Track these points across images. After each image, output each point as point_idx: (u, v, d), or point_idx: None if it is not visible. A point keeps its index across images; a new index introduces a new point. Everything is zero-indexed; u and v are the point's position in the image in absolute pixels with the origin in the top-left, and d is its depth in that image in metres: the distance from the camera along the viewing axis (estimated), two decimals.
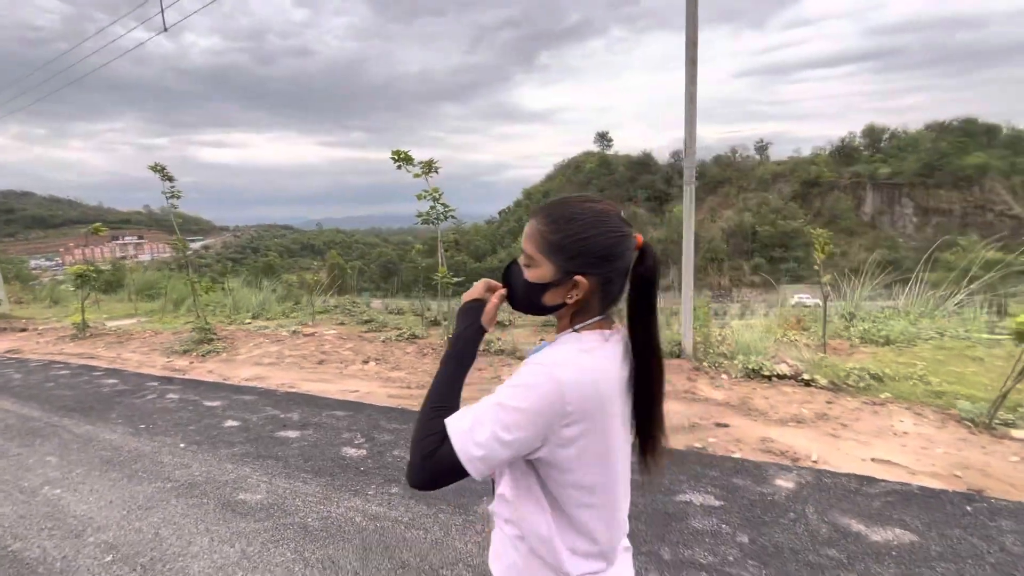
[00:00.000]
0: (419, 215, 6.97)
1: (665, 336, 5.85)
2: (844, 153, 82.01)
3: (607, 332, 0.90)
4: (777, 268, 65.82)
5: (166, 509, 2.96)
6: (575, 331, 0.89)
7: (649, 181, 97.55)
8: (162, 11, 9.28)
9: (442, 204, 6.83)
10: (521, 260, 0.92)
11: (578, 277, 0.85)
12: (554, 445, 0.80)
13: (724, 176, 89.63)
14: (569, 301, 0.88)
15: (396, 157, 6.91)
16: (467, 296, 1.01)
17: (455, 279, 6.90)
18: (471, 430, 0.78)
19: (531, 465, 0.86)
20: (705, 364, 4.96)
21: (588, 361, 0.83)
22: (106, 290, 19.72)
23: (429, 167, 6.78)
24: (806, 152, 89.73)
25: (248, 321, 10.30)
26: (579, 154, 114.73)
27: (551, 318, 0.96)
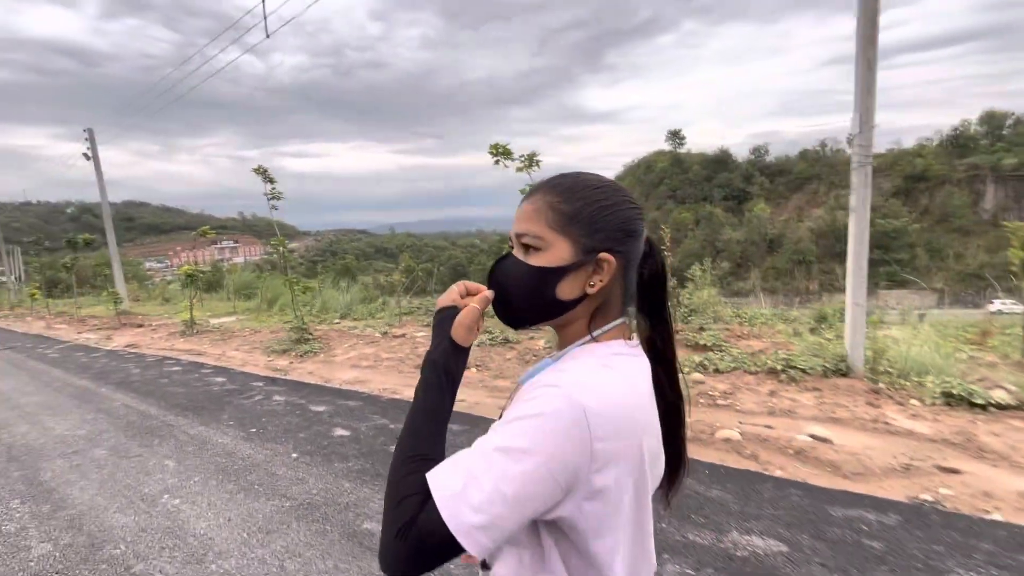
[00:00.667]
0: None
1: (808, 345, 4.97)
2: (958, 143, 73.28)
3: (632, 342, 0.72)
4: (875, 271, 59.65)
5: (288, 535, 2.63)
6: (593, 338, 0.70)
7: (726, 180, 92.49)
8: (264, 18, 9.55)
9: None
10: (517, 251, 0.71)
11: (603, 255, 0.67)
12: (580, 499, 0.58)
13: (812, 172, 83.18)
14: (591, 290, 0.68)
15: (495, 152, 6.51)
16: (440, 302, 0.76)
17: None
18: (464, 490, 0.55)
19: (545, 531, 0.63)
20: (883, 384, 4.07)
21: (618, 380, 0.63)
22: (207, 289, 21.27)
23: (531, 161, 6.30)
24: (908, 144, 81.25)
25: (336, 321, 10.39)
26: (649, 153, 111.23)
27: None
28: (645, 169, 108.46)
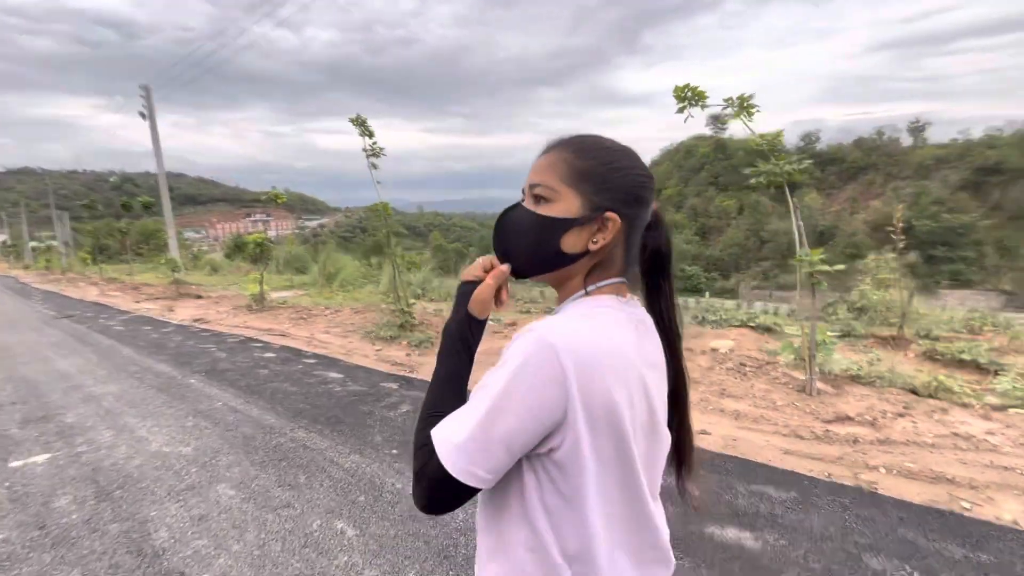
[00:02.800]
0: None
1: None
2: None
3: (624, 298, 0.73)
4: (937, 269, 56.23)
5: None
6: (586, 293, 0.72)
7: (766, 168, 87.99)
8: None
9: None
10: (527, 202, 0.73)
11: (609, 214, 0.69)
12: (561, 434, 0.61)
13: (867, 162, 78.59)
14: (593, 247, 0.70)
15: (680, 96, 4.99)
16: (464, 275, 0.78)
17: None
18: (459, 437, 0.62)
19: (527, 467, 0.65)
20: None
21: (593, 326, 0.65)
22: (253, 261, 20.45)
23: (744, 105, 4.75)
24: (976, 134, 75.73)
25: (412, 302, 9.13)
26: (688, 138, 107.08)
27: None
28: (685, 154, 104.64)
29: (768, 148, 4.40)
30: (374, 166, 6.84)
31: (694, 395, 3.91)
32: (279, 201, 9.90)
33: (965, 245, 55.61)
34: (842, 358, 4.49)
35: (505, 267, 0.74)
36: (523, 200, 0.73)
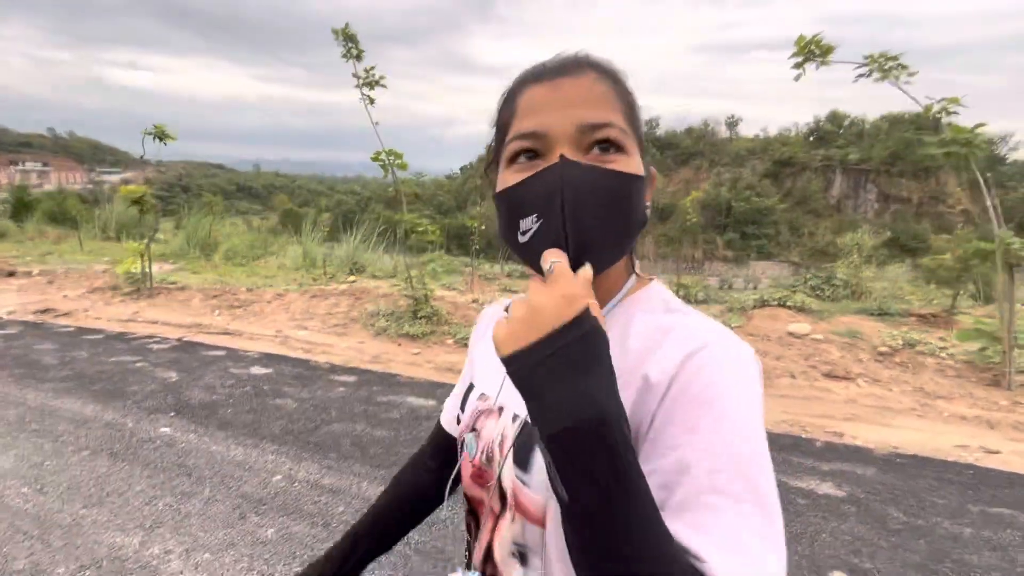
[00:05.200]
0: None
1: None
2: (818, 136, 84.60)
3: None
4: (748, 244, 67.41)
5: None
6: (639, 277, 0.54)
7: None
8: None
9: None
10: (574, 154, 0.45)
11: (652, 169, 0.52)
12: None
13: (696, 149, 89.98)
14: (648, 206, 0.50)
15: (803, 48, 4.35)
16: (557, 298, 0.39)
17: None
18: (767, 563, 0.36)
19: None
20: None
21: None
22: (16, 217, 15.62)
23: (818, 45, 4.24)
24: (772, 132, 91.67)
25: (352, 279, 7.37)
26: None
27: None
28: None
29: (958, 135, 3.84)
30: (370, 100, 5.03)
31: (890, 399, 3.40)
32: (165, 140, 7.08)
33: (767, 224, 67.34)
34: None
35: (589, 272, 0.43)
36: (562, 155, 0.44)
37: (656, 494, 0.37)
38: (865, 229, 8.34)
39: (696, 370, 0.41)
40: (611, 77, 0.49)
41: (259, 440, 2.71)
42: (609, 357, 0.38)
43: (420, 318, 4.85)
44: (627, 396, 0.42)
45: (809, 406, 3.29)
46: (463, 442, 0.57)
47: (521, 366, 0.37)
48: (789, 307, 5.96)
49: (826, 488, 2.34)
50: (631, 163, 0.46)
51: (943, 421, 3.12)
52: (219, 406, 3.14)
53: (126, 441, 2.69)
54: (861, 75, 4.36)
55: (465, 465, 0.56)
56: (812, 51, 4.36)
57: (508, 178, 0.48)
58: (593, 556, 0.36)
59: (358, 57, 5.03)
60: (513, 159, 0.48)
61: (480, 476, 0.53)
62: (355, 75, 5.01)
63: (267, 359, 4.06)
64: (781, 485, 2.33)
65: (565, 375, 0.36)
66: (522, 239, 0.46)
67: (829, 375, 3.72)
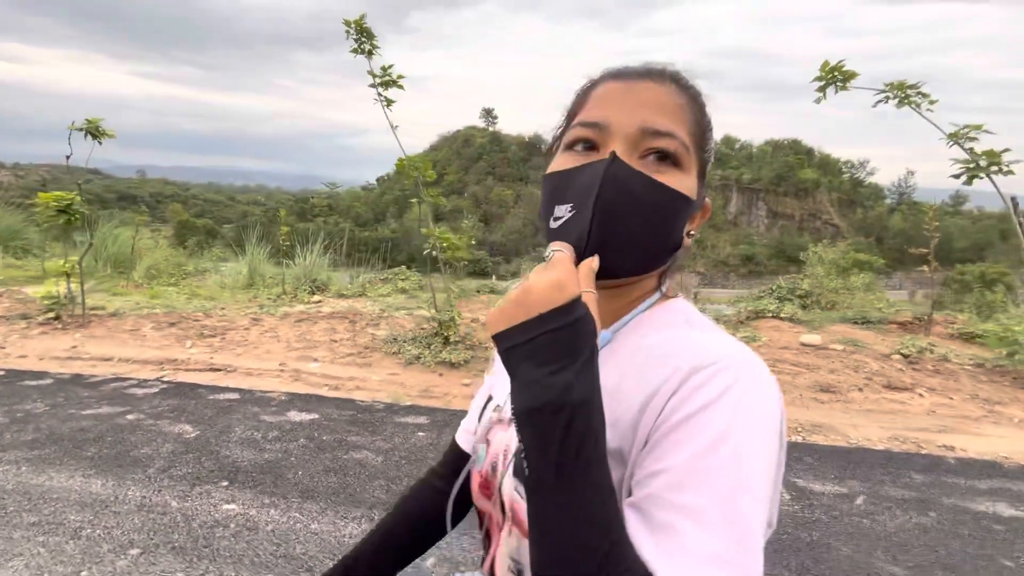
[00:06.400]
0: None
1: None
2: (717, 157, 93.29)
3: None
4: None
5: None
6: (663, 294, 0.53)
7: (540, 164, 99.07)
8: None
9: None
10: (631, 159, 0.46)
11: (707, 200, 0.54)
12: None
13: None
14: (688, 239, 0.52)
15: (826, 74, 4.55)
16: (551, 282, 0.40)
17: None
18: (748, 552, 0.37)
19: None
20: None
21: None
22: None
23: (837, 73, 4.46)
24: None
25: (316, 298, 6.66)
26: (464, 127, 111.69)
27: None
28: (463, 142, 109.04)
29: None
30: (387, 101, 4.51)
31: (959, 407, 3.54)
32: (100, 139, 5.94)
33: None
34: None
35: (595, 262, 0.44)
36: (614, 154, 0.45)
37: (635, 498, 0.39)
38: (755, 241, 9.06)
39: (698, 385, 0.41)
40: (691, 96, 0.49)
41: (367, 510, 2.15)
42: (593, 348, 0.38)
43: (453, 343, 4.36)
44: (631, 407, 0.43)
45: (898, 420, 3.32)
46: (474, 453, 0.57)
47: (506, 344, 0.39)
48: (782, 318, 6.22)
49: (1003, 509, 2.30)
50: (683, 182, 0.46)
51: (1015, 426, 3.29)
52: (282, 468, 2.49)
53: (185, 528, 2.01)
54: (879, 101, 4.64)
55: (474, 476, 0.55)
56: (835, 77, 4.57)
57: (559, 162, 0.49)
58: (540, 532, 0.37)
59: (370, 53, 4.50)
60: (571, 146, 0.48)
61: (486, 487, 0.53)
62: (370, 73, 4.47)
63: (298, 400, 3.37)
64: (964, 512, 2.26)
65: (543, 358, 0.37)
66: (553, 224, 0.47)
67: (889, 386, 3.83)
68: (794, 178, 77.90)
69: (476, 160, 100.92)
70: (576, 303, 0.38)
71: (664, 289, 0.52)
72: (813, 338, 5.37)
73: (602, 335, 0.48)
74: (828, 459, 2.68)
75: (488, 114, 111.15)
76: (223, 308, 6.11)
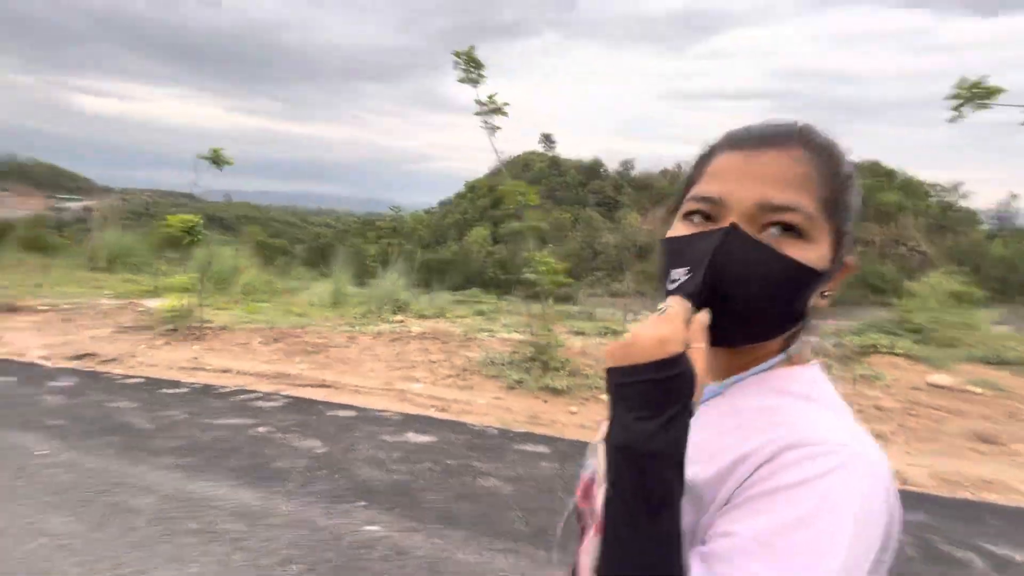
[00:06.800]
0: None
1: None
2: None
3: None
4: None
5: None
6: (788, 358, 0.50)
7: (599, 187, 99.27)
8: None
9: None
10: (753, 230, 0.45)
11: (850, 259, 0.50)
12: None
13: (670, 190, 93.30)
14: (822, 301, 0.49)
15: (965, 92, 4.20)
16: (649, 336, 0.40)
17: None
18: None
19: None
20: None
21: (856, 425, 0.47)
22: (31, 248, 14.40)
23: (975, 88, 4.08)
24: None
25: (398, 319, 6.75)
26: (523, 152, 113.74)
27: None
28: (523, 167, 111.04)
29: None
30: (494, 128, 4.61)
31: None
32: (221, 166, 6.47)
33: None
34: None
35: (705, 317, 0.44)
36: (734, 225, 0.45)
37: (703, 548, 0.39)
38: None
39: (794, 462, 0.39)
40: (821, 157, 0.47)
41: (512, 543, 2.09)
42: (686, 404, 0.39)
43: (554, 369, 4.29)
44: (722, 461, 0.43)
45: None
46: (586, 459, 0.58)
47: (613, 380, 0.41)
48: (897, 354, 5.68)
49: None
50: (810, 253, 0.45)
51: None
52: (414, 491, 2.49)
53: (336, 548, 2.03)
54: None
55: (582, 479, 0.56)
56: (976, 93, 4.22)
57: (677, 228, 0.50)
58: (604, 554, 0.39)
59: (477, 82, 4.64)
60: (688, 215, 0.49)
61: (587, 491, 0.54)
62: (477, 101, 4.60)
63: (414, 422, 3.41)
64: None
65: (633, 404, 0.39)
66: (670, 287, 0.47)
67: None
68: (874, 201, 72.95)
69: (535, 184, 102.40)
70: (673, 361, 0.39)
71: (790, 352, 0.50)
72: (943, 378, 4.87)
73: (710, 388, 0.49)
74: (1018, 521, 2.34)
75: (547, 139, 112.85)
76: (316, 325, 6.39)
